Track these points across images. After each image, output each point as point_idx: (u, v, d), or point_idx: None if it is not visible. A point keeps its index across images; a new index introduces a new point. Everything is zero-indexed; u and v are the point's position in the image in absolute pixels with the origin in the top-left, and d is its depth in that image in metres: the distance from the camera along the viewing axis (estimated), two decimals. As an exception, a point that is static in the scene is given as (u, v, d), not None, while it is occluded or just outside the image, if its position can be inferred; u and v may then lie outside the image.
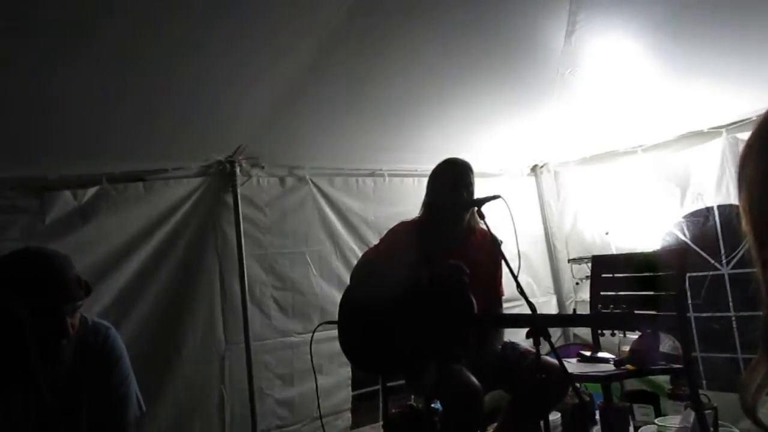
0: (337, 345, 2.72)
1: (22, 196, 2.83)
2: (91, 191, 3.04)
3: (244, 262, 3.43)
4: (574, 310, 3.61)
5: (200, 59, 2.59)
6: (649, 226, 4.31)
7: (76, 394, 1.73)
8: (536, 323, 2.09)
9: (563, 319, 3.46)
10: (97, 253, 3.00)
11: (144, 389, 2.03)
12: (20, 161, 2.79)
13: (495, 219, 2.52)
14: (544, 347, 2.15)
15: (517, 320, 2.46)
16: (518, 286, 2.16)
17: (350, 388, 3.84)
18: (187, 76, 2.67)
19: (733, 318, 3.83)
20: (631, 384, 3.77)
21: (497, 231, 2.61)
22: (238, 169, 3.47)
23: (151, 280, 3.19)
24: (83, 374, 1.76)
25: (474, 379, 2.28)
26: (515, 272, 2.21)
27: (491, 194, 2.46)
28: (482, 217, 2.36)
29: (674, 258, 3.04)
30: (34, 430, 1.61)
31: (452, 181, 2.61)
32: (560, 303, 4.98)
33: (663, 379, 3.61)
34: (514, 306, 3.25)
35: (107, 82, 2.49)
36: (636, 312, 2.25)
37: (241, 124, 3.20)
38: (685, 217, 4.13)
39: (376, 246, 2.88)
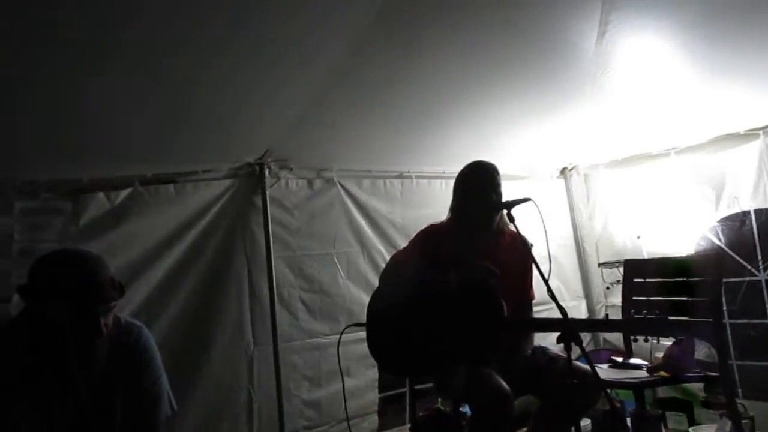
0: (364, 347, 2.71)
1: (57, 198, 2.90)
2: (124, 193, 3.09)
3: (273, 263, 3.45)
4: (606, 315, 3.55)
5: (230, 62, 2.61)
6: (682, 230, 4.22)
7: (109, 393, 1.76)
8: (568, 327, 2.06)
9: (596, 324, 3.39)
10: (129, 255, 3.05)
11: (173, 388, 2.05)
12: (55, 164, 2.86)
13: (525, 222, 2.49)
14: (574, 352, 2.12)
15: (549, 324, 2.43)
16: (549, 289, 2.13)
17: (377, 390, 3.84)
18: (217, 78, 2.70)
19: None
20: (664, 391, 3.69)
21: (527, 234, 2.59)
22: (267, 171, 3.50)
23: (182, 281, 3.23)
24: (116, 373, 1.78)
25: (504, 383, 2.25)
26: (546, 276, 2.18)
27: (520, 197, 2.43)
28: (512, 219, 2.33)
29: (710, 263, 2.96)
30: (70, 429, 1.64)
31: (481, 184, 2.58)
32: (590, 307, 4.90)
33: (697, 387, 3.53)
34: (543, 309, 3.19)
35: (139, 84, 2.53)
36: (670, 318, 2.20)
37: (270, 126, 3.22)
38: (720, 221, 4.03)
39: (404, 248, 2.87)
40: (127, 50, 2.31)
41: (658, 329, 2.13)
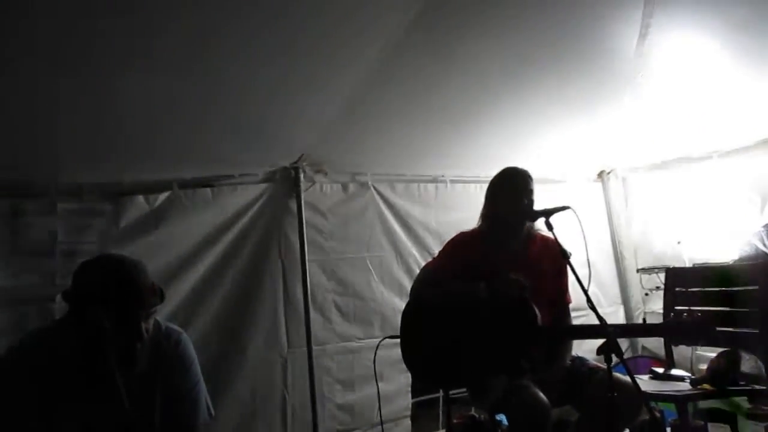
0: (397, 351, 2.69)
1: (98, 200, 2.97)
2: (163, 196, 3.14)
3: (307, 267, 3.47)
4: (644, 320, 3.44)
5: (268, 69, 2.64)
6: (725, 235, 4.09)
7: (149, 397, 1.78)
8: (608, 333, 2.01)
9: (637, 329, 3.29)
10: (168, 257, 3.10)
11: (209, 390, 2.07)
12: (96, 166, 2.93)
13: (562, 227, 2.44)
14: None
15: (588, 331, 2.37)
16: (588, 300, 2.08)
17: (410, 394, 3.82)
18: (255, 83, 2.73)
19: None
20: (704, 401, 3.58)
21: (564, 240, 2.54)
22: (302, 175, 3.52)
23: (218, 284, 3.27)
24: (156, 378, 1.81)
25: (542, 395, 2.21)
26: (584, 285, 2.13)
27: (555, 202, 2.38)
28: (551, 227, 2.28)
29: (757, 272, 2.86)
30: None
31: (514, 192, 2.54)
32: (628, 314, 4.80)
33: (742, 398, 3.42)
34: (580, 315, 3.14)
35: (179, 88, 2.58)
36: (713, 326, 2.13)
37: (306, 130, 3.24)
38: (765, 226, 3.89)
39: (435, 259, 2.85)
40: (169, 54, 2.36)
41: (702, 335, 2.06)
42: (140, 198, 3.07)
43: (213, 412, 1.97)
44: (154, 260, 3.01)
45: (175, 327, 1.95)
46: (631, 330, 3.49)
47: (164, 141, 2.91)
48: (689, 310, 2.91)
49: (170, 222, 3.14)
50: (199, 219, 3.24)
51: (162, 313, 2.93)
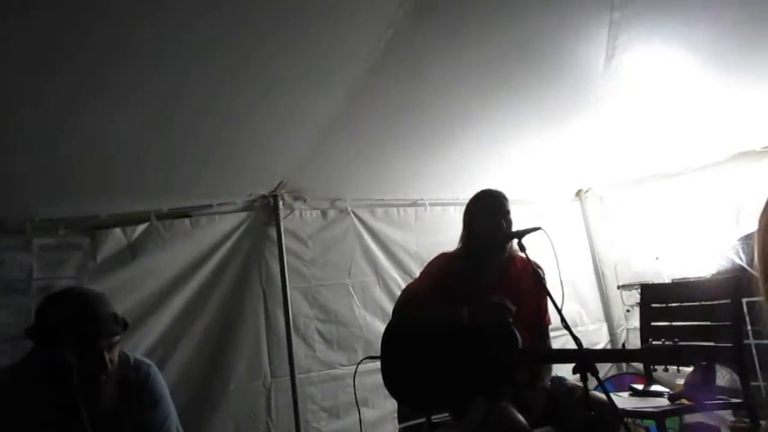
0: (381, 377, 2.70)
1: (75, 234, 2.97)
2: (140, 228, 3.14)
3: (288, 294, 3.46)
4: (623, 344, 3.47)
5: (242, 96, 2.67)
6: (702, 250, 4.16)
7: (121, 430, 1.77)
8: (583, 359, 2.02)
9: (611, 355, 3.32)
10: (146, 289, 3.09)
11: (192, 422, 2.07)
12: (73, 200, 2.92)
13: (538, 248, 2.48)
14: (592, 381, 2.08)
15: (562, 356, 2.39)
16: (562, 320, 2.10)
17: (396, 420, 3.79)
18: (230, 112, 2.75)
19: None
20: (690, 416, 3.60)
21: (540, 260, 2.57)
22: (281, 203, 3.54)
23: (198, 314, 3.26)
24: (125, 412, 1.79)
25: (520, 417, 2.21)
26: (558, 305, 2.15)
27: (534, 222, 2.42)
28: (523, 249, 2.31)
29: (728, 285, 2.91)
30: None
31: (490, 213, 2.57)
32: (611, 331, 4.82)
33: (725, 412, 3.44)
34: (560, 335, 3.15)
35: (154, 119, 2.59)
36: (688, 344, 2.16)
37: (283, 158, 3.27)
38: (740, 239, 3.96)
39: (416, 280, 2.86)
40: (141, 86, 2.37)
41: (676, 358, 2.09)
42: (117, 231, 3.08)
43: None
44: (133, 293, 3.03)
45: (144, 359, 1.94)
46: (606, 356, 3.51)
47: (141, 173, 2.92)
48: (668, 326, 2.94)
49: (148, 254, 3.13)
50: (178, 250, 3.23)
51: (142, 347, 2.95)
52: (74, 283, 2.84)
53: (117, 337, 1.74)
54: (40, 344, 1.67)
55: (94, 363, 1.67)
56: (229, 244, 3.41)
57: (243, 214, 3.49)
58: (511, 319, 2.37)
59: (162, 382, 1.92)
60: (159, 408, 1.87)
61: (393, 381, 2.58)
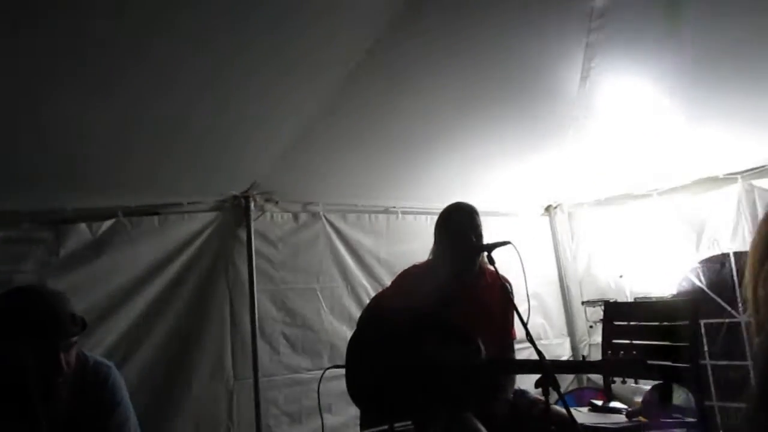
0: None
1: (38, 228, 2.88)
2: (107, 224, 3.08)
3: (256, 297, 3.43)
4: (584, 357, 3.54)
5: (217, 96, 2.64)
6: (665, 270, 4.27)
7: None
8: (545, 370, 2.05)
9: (572, 366, 3.39)
10: (111, 286, 3.03)
11: (152, 423, 2.04)
12: (37, 194, 2.84)
13: (507, 261, 2.51)
14: (554, 395, 2.11)
15: (525, 366, 2.42)
16: (528, 333, 2.13)
17: (359, 427, 3.78)
18: (204, 111, 2.72)
19: (750, 366, 3.74)
20: (646, 432, 3.68)
21: (509, 274, 2.60)
22: (252, 204, 3.51)
23: (163, 314, 3.20)
24: (83, 415, 1.75)
25: (482, 428, 2.24)
26: (524, 319, 2.18)
27: (504, 234, 2.44)
28: (492, 262, 2.34)
29: (687, 307, 2.99)
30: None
31: (461, 227, 2.60)
32: (574, 345, 4.91)
33: (679, 431, 3.52)
34: (524, 347, 3.20)
35: (126, 114, 2.54)
36: (647, 361, 2.21)
37: (257, 159, 3.24)
38: (701, 262, 4.07)
39: (385, 290, 2.87)
40: (114, 80, 2.32)
41: (635, 371, 2.13)
42: (83, 226, 3.01)
43: None
44: (95, 290, 2.96)
45: (104, 361, 1.90)
46: (567, 366, 3.56)
47: (109, 168, 2.86)
48: (629, 344, 3.00)
49: (114, 251, 3.07)
50: (145, 248, 3.18)
51: (103, 345, 2.90)
52: (35, 278, 2.77)
53: (74, 338, 1.70)
54: None
55: (50, 364, 1.63)
56: (197, 243, 3.37)
57: (213, 214, 3.45)
58: (474, 325, 2.39)
59: (122, 385, 1.88)
60: (117, 411, 1.83)
61: (357, 389, 2.58)
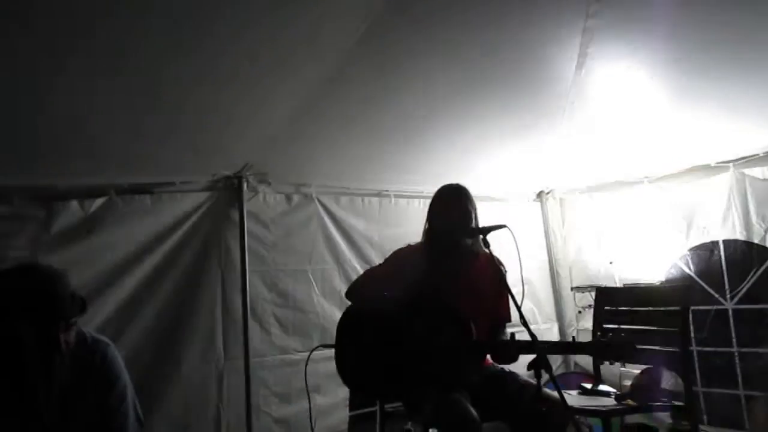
0: (335, 364, 2.70)
1: (29, 204, 2.85)
2: (99, 202, 3.05)
3: (247, 277, 3.43)
4: (573, 338, 3.57)
5: (213, 77, 2.62)
6: (654, 257, 4.31)
7: (74, 411, 1.73)
8: (536, 350, 2.08)
9: (563, 347, 3.41)
10: (102, 264, 3.01)
11: (142, 401, 2.03)
12: (29, 170, 2.81)
13: (501, 245, 2.52)
14: (544, 378, 2.13)
15: (515, 346, 2.44)
16: (521, 316, 2.15)
17: (348, 408, 3.81)
18: (199, 91, 2.70)
19: (736, 354, 3.81)
20: (632, 417, 3.73)
21: (502, 257, 2.61)
22: (245, 185, 3.49)
23: (154, 293, 3.19)
24: (81, 391, 1.75)
25: (472, 409, 2.25)
26: (518, 302, 2.20)
27: (496, 219, 2.45)
28: (487, 245, 2.35)
29: (678, 293, 3.02)
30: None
31: (455, 209, 2.60)
32: (562, 331, 4.95)
33: (664, 414, 3.57)
34: (516, 332, 3.23)
35: (120, 90, 2.51)
36: (636, 345, 2.23)
37: (250, 140, 3.22)
38: (690, 250, 4.12)
39: (378, 266, 2.87)
40: (110, 54, 2.29)
41: (624, 353, 2.16)
42: (74, 203, 2.98)
43: (143, 421, 1.93)
44: (86, 268, 2.95)
45: (102, 338, 1.90)
46: (559, 347, 3.60)
47: (102, 145, 2.82)
48: (617, 328, 3.04)
49: (105, 229, 3.05)
50: (137, 226, 3.16)
51: (93, 323, 2.88)
52: (27, 254, 2.74)
53: (74, 319, 1.69)
54: None
55: (49, 343, 1.62)
56: (189, 223, 3.35)
57: (206, 194, 3.43)
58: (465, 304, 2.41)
59: (119, 361, 1.88)
60: (116, 387, 1.84)
61: (346, 369, 2.59)
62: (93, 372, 1.79)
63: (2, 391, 1.61)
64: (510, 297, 2.24)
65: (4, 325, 1.56)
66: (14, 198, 2.79)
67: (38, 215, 2.86)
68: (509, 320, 2.71)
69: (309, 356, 3.00)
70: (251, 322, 3.42)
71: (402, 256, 2.76)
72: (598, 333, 2.33)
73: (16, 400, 1.58)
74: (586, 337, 4.56)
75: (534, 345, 2.10)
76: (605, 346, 2.26)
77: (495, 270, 2.48)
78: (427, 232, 2.76)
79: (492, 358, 2.61)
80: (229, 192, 3.48)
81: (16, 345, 1.55)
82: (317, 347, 3.13)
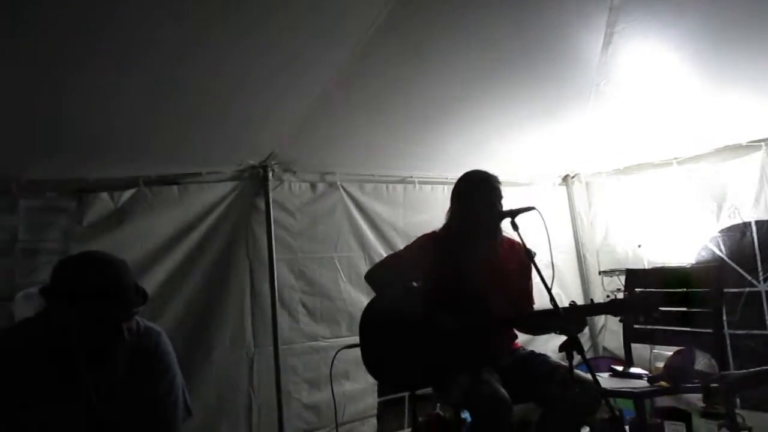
0: (364, 350, 2.72)
1: (61, 197, 2.91)
2: (128, 193, 3.10)
3: (275, 266, 3.46)
4: (591, 300, 3.53)
5: (237, 66, 2.63)
6: (684, 240, 4.23)
7: (127, 398, 1.74)
8: (566, 317, 2.07)
9: (584, 309, 3.30)
10: (132, 255, 3.03)
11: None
12: (60, 163, 2.86)
13: (526, 229, 2.50)
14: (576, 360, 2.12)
15: (541, 316, 2.43)
16: (552, 298, 2.13)
17: (376, 394, 3.84)
18: (224, 82, 2.71)
19: (771, 336, 3.73)
20: (662, 400, 3.68)
21: (528, 241, 2.59)
22: (270, 174, 3.51)
23: (183, 283, 3.23)
24: (135, 379, 1.76)
25: (503, 390, 2.25)
26: (548, 284, 2.18)
27: (522, 204, 2.43)
28: (516, 228, 2.33)
29: (710, 274, 2.97)
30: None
31: (481, 193, 2.59)
32: (590, 315, 4.90)
33: (696, 396, 3.52)
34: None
35: (146, 85, 2.54)
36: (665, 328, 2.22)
37: (275, 129, 3.23)
38: (721, 231, 4.04)
39: (401, 251, 2.88)
40: (136, 51, 2.32)
41: (643, 310, 2.15)
42: (105, 195, 3.03)
43: (191, 410, 1.95)
44: (118, 258, 2.98)
45: (154, 326, 1.91)
46: (579, 310, 3.56)
47: (130, 137, 2.87)
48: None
49: (135, 220, 3.10)
50: (165, 217, 3.20)
51: (126, 313, 2.92)
52: (60, 246, 2.80)
53: (137, 309, 1.71)
54: (53, 307, 1.62)
55: (112, 332, 1.64)
56: (216, 213, 3.38)
57: (232, 184, 3.46)
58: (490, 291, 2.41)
59: (170, 349, 1.90)
60: (168, 375, 1.85)
61: (372, 363, 2.61)
62: (146, 359, 1.80)
63: (57, 378, 1.63)
64: (542, 281, 2.21)
65: (57, 312, 1.58)
66: (47, 190, 2.85)
67: (70, 207, 2.91)
68: (534, 304, 2.70)
69: (334, 357, 3.01)
70: (280, 310, 3.45)
71: (425, 242, 2.75)
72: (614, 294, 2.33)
73: (70, 386, 1.60)
74: (613, 322, 4.53)
75: (556, 312, 2.10)
76: (627, 303, 2.24)
77: (520, 255, 2.46)
78: (452, 218, 2.75)
79: (519, 330, 2.61)
80: (255, 181, 3.51)
81: (74, 332, 1.56)
82: (341, 349, 3.21)
